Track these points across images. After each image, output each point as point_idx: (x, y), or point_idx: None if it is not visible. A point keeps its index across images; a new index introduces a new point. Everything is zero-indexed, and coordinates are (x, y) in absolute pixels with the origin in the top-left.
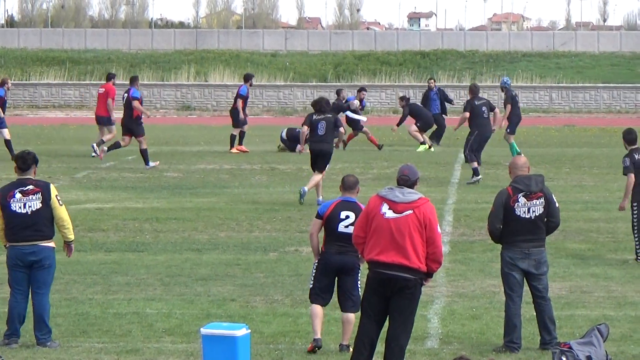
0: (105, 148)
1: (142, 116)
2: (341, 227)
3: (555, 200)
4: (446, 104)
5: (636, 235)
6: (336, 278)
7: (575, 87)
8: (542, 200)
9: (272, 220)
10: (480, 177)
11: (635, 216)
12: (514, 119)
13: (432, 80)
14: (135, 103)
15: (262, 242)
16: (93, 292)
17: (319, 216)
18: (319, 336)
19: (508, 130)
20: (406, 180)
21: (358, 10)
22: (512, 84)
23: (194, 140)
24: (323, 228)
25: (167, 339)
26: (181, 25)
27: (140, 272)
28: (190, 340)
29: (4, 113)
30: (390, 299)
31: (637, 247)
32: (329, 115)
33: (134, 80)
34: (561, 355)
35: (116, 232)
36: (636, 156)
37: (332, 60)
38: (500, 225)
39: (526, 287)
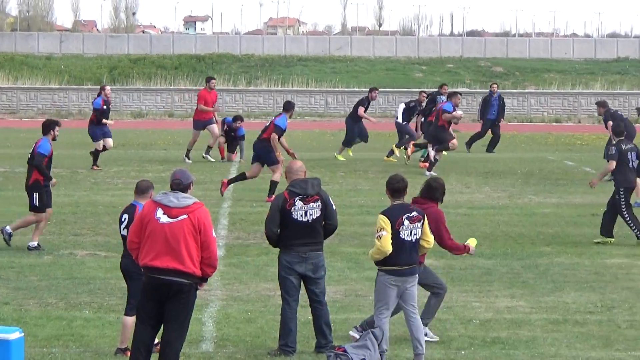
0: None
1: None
2: (122, 230)
3: (332, 203)
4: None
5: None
6: None
7: (351, 91)
8: (319, 203)
9: (47, 223)
10: None
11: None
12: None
13: (496, 85)
14: (445, 115)
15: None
16: None
17: None
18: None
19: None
20: (179, 184)
21: (134, 14)
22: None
23: None
24: None
25: None
26: None
27: None
28: None
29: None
30: (165, 304)
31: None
32: None
33: (454, 95)
34: (336, 358)
35: None
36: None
37: (107, 64)
38: (278, 229)
39: (302, 291)
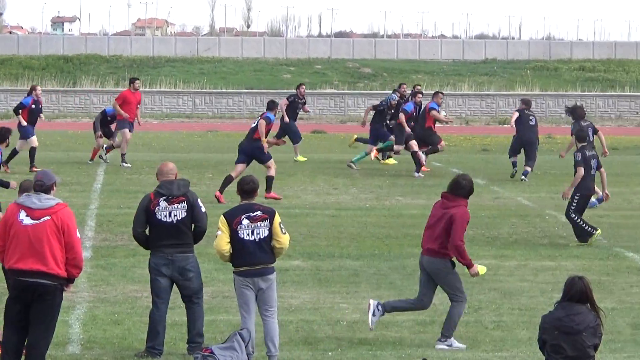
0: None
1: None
2: None
3: (201, 205)
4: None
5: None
6: None
7: (218, 92)
8: (184, 204)
9: None
10: None
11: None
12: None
13: (419, 86)
14: (433, 112)
15: None
16: None
17: None
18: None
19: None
20: (41, 185)
21: (1, 14)
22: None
23: None
24: None
25: None
26: None
27: None
28: None
29: (33, 122)
30: (31, 306)
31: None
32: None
33: (436, 94)
34: (203, 359)
35: None
36: None
37: None
38: (143, 230)
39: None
